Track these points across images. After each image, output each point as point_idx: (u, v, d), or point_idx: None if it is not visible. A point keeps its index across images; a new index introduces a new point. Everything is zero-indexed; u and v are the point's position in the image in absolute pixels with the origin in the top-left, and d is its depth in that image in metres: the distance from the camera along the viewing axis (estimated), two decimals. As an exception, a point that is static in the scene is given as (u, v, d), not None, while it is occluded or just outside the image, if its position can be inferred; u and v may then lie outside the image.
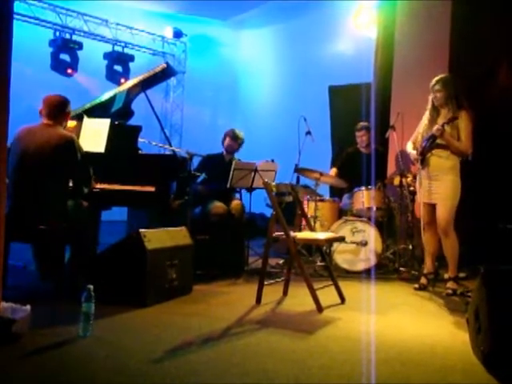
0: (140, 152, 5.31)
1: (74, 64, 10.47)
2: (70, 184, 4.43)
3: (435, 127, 5.00)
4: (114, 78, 11.03)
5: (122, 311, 3.88)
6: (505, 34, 6.42)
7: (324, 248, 5.49)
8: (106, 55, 11.26)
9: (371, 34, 8.87)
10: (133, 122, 5.70)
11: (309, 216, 5.85)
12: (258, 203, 6.60)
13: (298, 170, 6.37)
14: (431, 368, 2.92)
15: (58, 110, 4.42)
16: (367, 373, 2.79)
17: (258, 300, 4.40)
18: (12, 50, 3.26)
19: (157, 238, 4.30)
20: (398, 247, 6.22)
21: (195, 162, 5.84)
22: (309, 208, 6.40)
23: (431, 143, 5.06)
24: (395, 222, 6.51)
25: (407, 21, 7.35)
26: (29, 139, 4.27)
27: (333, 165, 7.32)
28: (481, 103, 5.89)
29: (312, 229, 5.22)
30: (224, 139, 6.51)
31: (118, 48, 11.43)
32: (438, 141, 5.03)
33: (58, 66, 10.36)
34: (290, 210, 6.50)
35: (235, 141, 6.46)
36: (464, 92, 5.20)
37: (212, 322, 3.76)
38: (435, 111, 5.20)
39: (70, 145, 4.29)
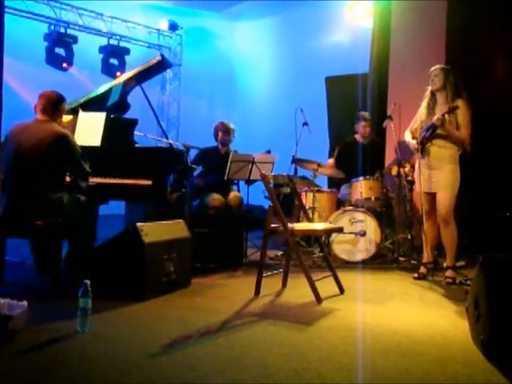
0: (136, 145, 5.29)
1: (69, 58, 10.43)
2: (67, 179, 4.41)
3: (435, 117, 4.99)
4: (109, 71, 10.98)
5: (119, 306, 3.86)
6: (501, 25, 6.41)
7: (322, 239, 5.49)
8: (102, 49, 11.22)
9: (367, 25, 8.84)
10: (129, 115, 5.66)
11: (307, 207, 5.83)
12: (256, 195, 6.58)
13: (296, 161, 6.36)
14: (431, 358, 2.91)
15: (53, 106, 4.38)
16: (366, 364, 2.78)
17: (257, 292, 4.38)
18: (4, 45, 3.23)
19: (154, 231, 4.28)
20: (396, 237, 6.21)
21: (192, 154, 5.83)
22: (307, 199, 6.39)
23: (431, 133, 5.04)
24: (394, 211, 6.50)
25: (403, 11, 7.33)
26: (24, 136, 4.24)
27: (330, 155, 7.29)
28: (478, 94, 5.86)
29: (310, 220, 5.20)
30: (216, 134, 6.47)
31: (113, 41, 11.38)
32: (438, 130, 5.02)
33: (54, 61, 10.32)
34: (288, 201, 6.49)
35: (228, 133, 6.44)
36: (461, 82, 5.17)
37: (210, 314, 3.75)
38: (432, 100, 5.18)
39: (65, 141, 4.26)
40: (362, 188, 6.22)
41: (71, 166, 4.36)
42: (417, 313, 3.97)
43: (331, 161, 6.94)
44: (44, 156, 4.18)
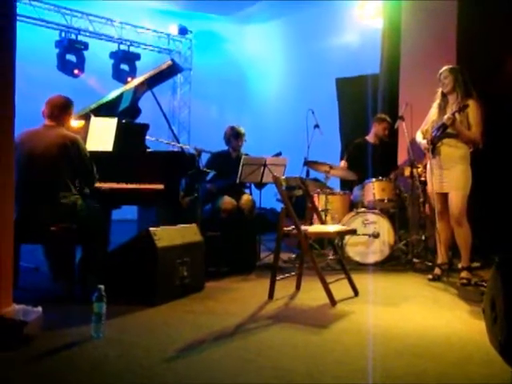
0: (148, 150, 5.29)
1: (80, 64, 10.48)
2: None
3: (446, 116, 4.96)
4: (120, 77, 11.01)
5: (133, 310, 3.87)
6: (512, 24, 6.37)
7: (336, 241, 5.47)
8: (112, 54, 11.26)
9: (377, 25, 8.81)
10: (140, 120, 5.67)
11: (319, 209, 5.81)
12: (268, 198, 6.57)
13: (308, 164, 6.34)
14: (447, 360, 2.89)
15: (60, 110, 4.41)
16: (381, 366, 2.76)
17: (271, 295, 4.37)
18: (16, 52, 3.25)
19: (167, 235, 4.29)
20: (410, 238, 6.17)
21: (203, 158, 5.82)
22: (319, 201, 6.36)
23: (442, 132, 5.02)
24: (407, 213, 6.46)
25: (413, 10, 7.30)
26: (33, 142, 4.26)
27: (342, 157, 7.27)
28: (489, 93, 5.82)
29: (323, 222, 5.18)
30: (228, 141, 6.43)
31: (123, 47, 11.43)
32: (449, 130, 4.99)
33: (65, 67, 10.38)
34: (300, 203, 6.46)
35: (240, 138, 6.39)
36: (472, 81, 5.14)
37: (224, 318, 3.74)
38: (444, 101, 5.16)
39: (75, 144, 4.29)
40: (374, 189, 6.19)
41: (81, 169, 4.38)
42: (432, 314, 3.94)
43: (343, 163, 6.92)
44: (56, 160, 4.21)
